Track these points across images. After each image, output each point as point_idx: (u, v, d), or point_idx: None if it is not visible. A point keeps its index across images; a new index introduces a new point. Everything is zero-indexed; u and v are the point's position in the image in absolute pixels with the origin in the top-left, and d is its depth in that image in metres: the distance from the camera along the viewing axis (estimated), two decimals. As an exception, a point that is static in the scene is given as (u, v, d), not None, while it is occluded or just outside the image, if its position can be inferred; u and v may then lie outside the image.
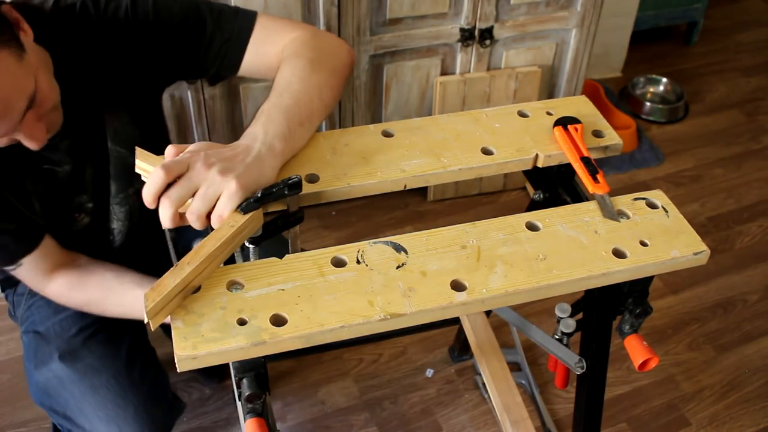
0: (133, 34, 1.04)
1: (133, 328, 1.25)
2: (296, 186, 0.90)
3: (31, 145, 0.94)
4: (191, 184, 0.84)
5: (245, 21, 1.08)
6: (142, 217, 1.20)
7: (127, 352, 1.20)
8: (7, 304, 1.34)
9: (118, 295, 1.09)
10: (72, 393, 1.15)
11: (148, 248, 1.25)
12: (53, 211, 1.11)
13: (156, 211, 0.86)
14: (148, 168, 0.92)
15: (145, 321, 0.79)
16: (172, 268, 0.82)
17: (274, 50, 1.08)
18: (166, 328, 1.16)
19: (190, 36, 1.07)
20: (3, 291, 1.32)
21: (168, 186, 0.85)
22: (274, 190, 0.89)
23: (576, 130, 1.07)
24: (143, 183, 1.15)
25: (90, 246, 1.17)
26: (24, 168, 1.05)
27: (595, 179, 1.01)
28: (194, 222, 0.85)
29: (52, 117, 0.97)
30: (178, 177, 0.85)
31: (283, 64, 1.03)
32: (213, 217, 0.86)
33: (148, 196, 0.84)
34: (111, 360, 1.17)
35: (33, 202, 1.08)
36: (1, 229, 1.05)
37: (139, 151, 0.93)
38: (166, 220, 0.84)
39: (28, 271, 1.10)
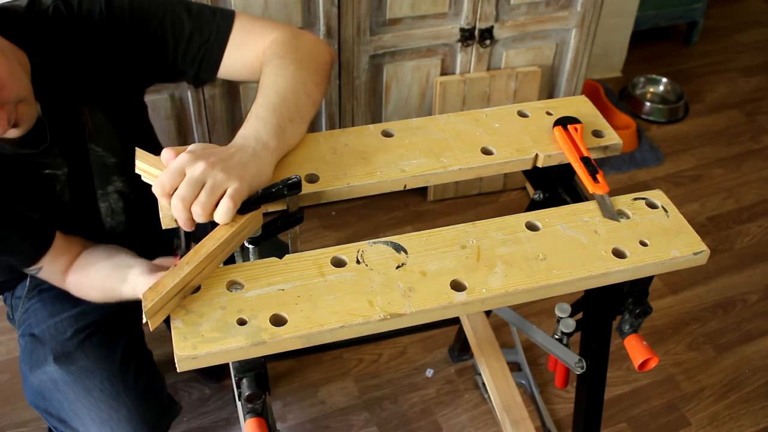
0: (108, 34, 1.04)
1: (130, 330, 1.25)
2: (296, 186, 0.90)
3: None
4: (197, 181, 0.85)
5: (224, 21, 1.08)
6: (139, 210, 1.21)
7: (122, 354, 1.20)
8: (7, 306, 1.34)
9: (112, 289, 1.09)
10: (66, 395, 1.14)
11: (151, 237, 1.25)
12: (57, 211, 1.12)
13: (152, 204, 0.87)
14: (149, 169, 0.92)
15: (144, 321, 0.79)
16: (171, 268, 0.82)
17: (253, 52, 1.08)
18: (169, 324, 1.17)
19: (167, 37, 1.07)
20: (1, 294, 1.32)
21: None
22: (273, 190, 0.89)
23: (576, 130, 1.07)
24: (124, 181, 1.16)
25: (91, 238, 1.18)
26: (26, 176, 1.06)
27: (594, 179, 1.01)
28: (199, 215, 0.85)
29: (21, 110, 0.95)
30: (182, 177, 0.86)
31: (265, 66, 1.04)
32: (217, 215, 0.86)
33: (161, 199, 0.86)
34: (105, 362, 1.17)
35: (37, 206, 1.09)
36: (14, 236, 1.06)
37: (139, 152, 0.94)
38: (183, 221, 0.86)
39: (48, 272, 1.12)
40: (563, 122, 1.08)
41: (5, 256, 1.10)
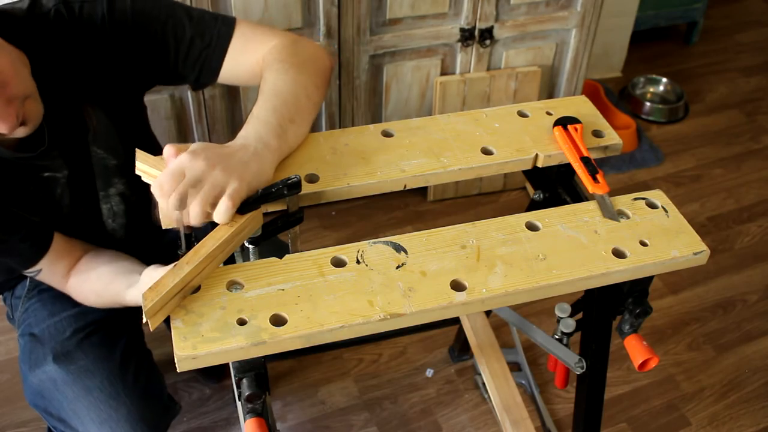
0: (110, 37, 1.05)
1: (129, 330, 1.26)
2: (296, 186, 0.90)
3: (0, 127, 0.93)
4: (196, 182, 0.85)
5: (225, 27, 1.09)
6: (140, 212, 1.21)
7: (122, 354, 1.20)
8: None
9: (115, 295, 1.09)
10: (65, 395, 1.14)
11: (152, 239, 1.25)
12: (57, 214, 1.12)
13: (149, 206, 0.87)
14: (149, 169, 0.92)
15: (144, 320, 0.79)
16: (171, 269, 0.82)
17: (254, 58, 1.08)
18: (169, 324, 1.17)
19: (168, 41, 1.07)
20: (1, 294, 1.32)
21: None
22: (273, 190, 0.89)
23: (576, 130, 1.07)
24: (125, 183, 1.16)
25: (91, 241, 1.18)
26: (25, 179, 1.06)
27: (594, 179, 1.01)
28: (197, 216, 0.85)
29: (29, 106, 0.96)
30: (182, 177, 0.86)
31: (266, 71, 1.04)
32: (216, 215, 0.86)
33: (160, 200, 0.86)
34: (104, 362, 1.17)
35: (37, 209, 1.09)
36: (13, 238, 1.06)
37: (139, 152, 0.94)
38: (181, 223, 0.86)
39: (47, 275, 1.12)
40: (563, 122, 1.08)
41: (4, 258, 1.10)
